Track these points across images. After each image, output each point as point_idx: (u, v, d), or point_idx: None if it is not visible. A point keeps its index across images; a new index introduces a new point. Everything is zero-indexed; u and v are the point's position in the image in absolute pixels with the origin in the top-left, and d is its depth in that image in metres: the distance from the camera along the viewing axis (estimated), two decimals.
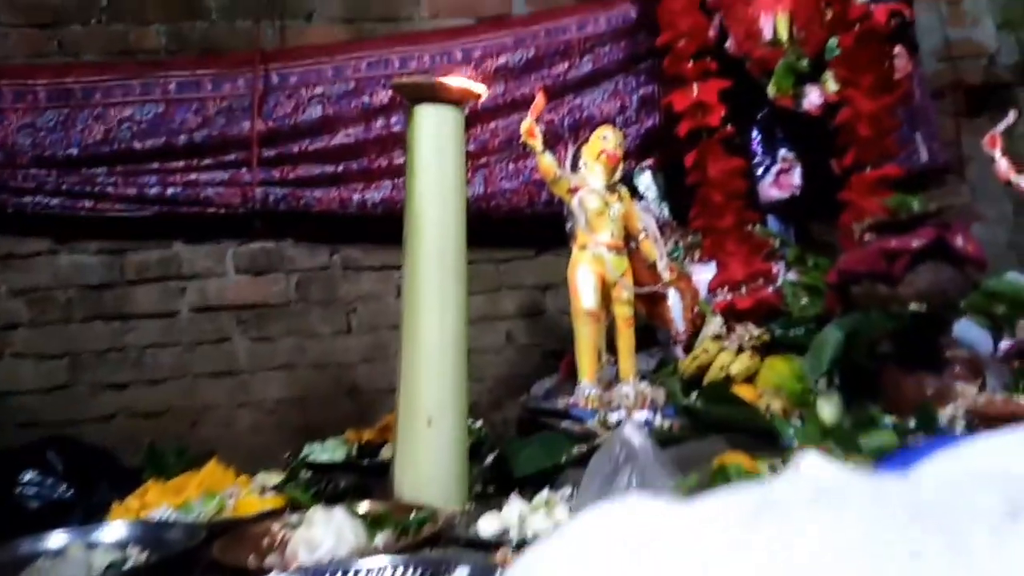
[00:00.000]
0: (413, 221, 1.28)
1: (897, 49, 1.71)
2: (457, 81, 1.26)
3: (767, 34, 1.70)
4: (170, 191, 1.85)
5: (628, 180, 1.80)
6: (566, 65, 2.01)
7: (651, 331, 1.67)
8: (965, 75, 2.25)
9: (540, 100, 1.42)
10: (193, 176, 1.86)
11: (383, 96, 1.94)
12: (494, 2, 2.12)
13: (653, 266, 1.57)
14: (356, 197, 1.93)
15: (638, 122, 1.99)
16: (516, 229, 2.07)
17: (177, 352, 1.93)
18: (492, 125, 2.00)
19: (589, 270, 1.45)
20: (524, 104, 1.99)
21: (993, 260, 2.16)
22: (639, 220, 1.54)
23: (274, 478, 1.41)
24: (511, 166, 1.98)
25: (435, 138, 1.31)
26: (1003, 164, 1.48)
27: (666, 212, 1.84)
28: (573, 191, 1.46)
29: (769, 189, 1.76)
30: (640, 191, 1.86)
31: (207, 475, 1.40)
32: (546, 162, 1.44)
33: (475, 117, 1.91)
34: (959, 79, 2.23)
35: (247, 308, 1.96)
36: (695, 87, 1.67)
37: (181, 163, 1.86)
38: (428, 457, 1.19)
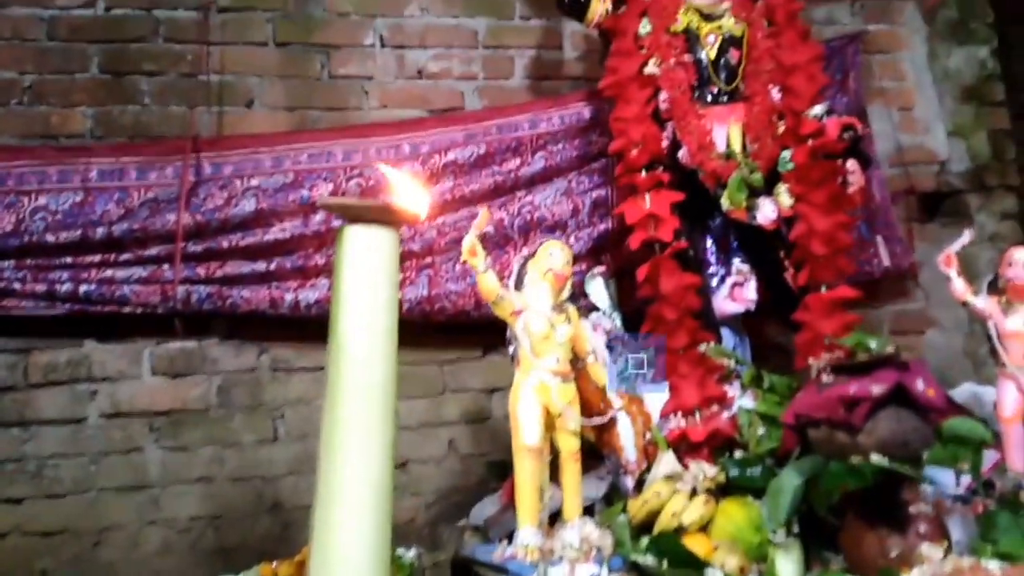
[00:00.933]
0: (336, 361, 1.12)
1: (850, 164, 1.68)
2: (394, 200, 1.16)
3: (720, 146, 1.65)
4: (83, 289, 1.70)
5: (579, 286, 1.71)
6: (518, 162, 1.94)
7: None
8: (917, 181, 2.25)
9: (483, 216, 1.33)
10: (109, 272, 1.72)
11: (324, 190, 1.83)
12: (446, 95, 2.06)
13: (603, 388, 1.47)
14: (288, 296, 1.80)
15: (591, 225, 1.92)
16: (461, 328, 1.96)
17: (82, 463, 1.75)
18: (439, 222, 1.90)
19: (533, 399, 1.34)
20: (473, 200, 1.91)
21: (949, 368, 2.14)
22: (587, 342, 1.44)
23: None
24: (458, 267, 1.87)
25: (365, 264, 1.18)
26: (959, 284, 1.44)
27: (618, 322, 1.75)
28: (517, 313, 1.36)
29: (723, 303, 1.69)
30: (591, 298, 1.77)
31: None
32: (488, 282, 1.34)
33: None
34: (911, 185, 2.23)
35: (162, 414, 1.80)
36: (647, 198, 1.61)
37: (97, 258, 1.72)
38: None
